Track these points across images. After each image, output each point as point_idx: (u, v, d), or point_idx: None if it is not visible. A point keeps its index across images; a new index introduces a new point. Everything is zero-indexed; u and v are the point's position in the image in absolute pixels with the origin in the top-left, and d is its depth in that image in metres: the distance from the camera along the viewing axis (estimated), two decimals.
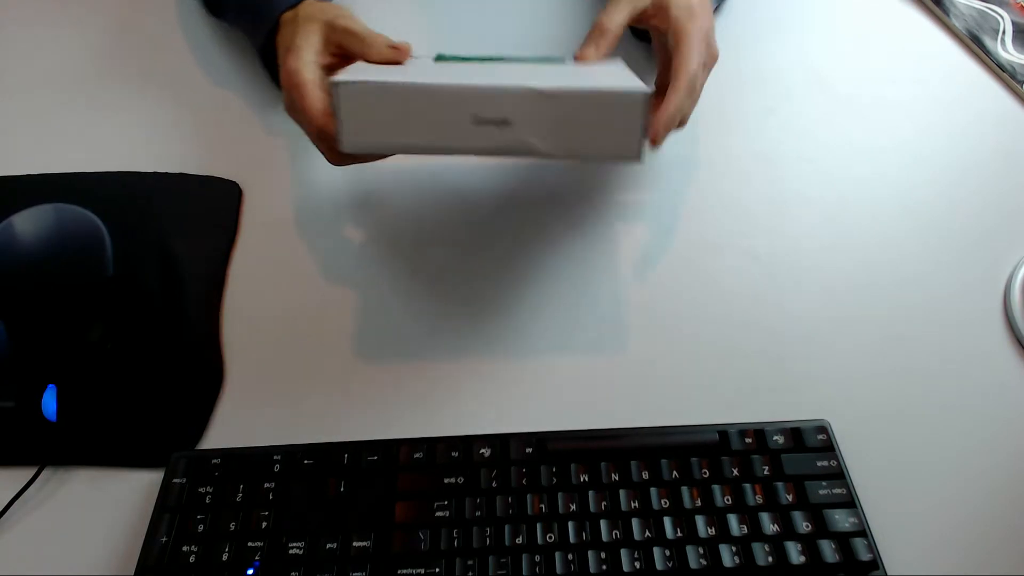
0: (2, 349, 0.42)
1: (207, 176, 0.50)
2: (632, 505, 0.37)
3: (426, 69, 0.38)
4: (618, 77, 0.37)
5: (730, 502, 0.37)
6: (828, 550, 0.35)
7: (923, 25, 0.59)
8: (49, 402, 0.39)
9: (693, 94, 0.41)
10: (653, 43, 0.46)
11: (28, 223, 0.42)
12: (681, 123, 0.43)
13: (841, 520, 0.36)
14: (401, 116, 0.34)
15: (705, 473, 0.38)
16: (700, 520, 0.36)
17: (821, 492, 0.37)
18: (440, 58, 0.43)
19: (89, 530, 0.38)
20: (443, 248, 0.48)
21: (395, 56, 0.40)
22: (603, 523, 0.36)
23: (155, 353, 0.43)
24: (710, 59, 0.44)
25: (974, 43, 0.57)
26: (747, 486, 0.37)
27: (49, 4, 0.61)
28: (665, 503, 0.37)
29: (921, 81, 0.56)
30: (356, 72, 0.36)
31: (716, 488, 0.37)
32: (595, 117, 0.34)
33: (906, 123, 0.53)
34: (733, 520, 0.36)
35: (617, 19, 0.42)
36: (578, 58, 0.42)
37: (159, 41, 0.58)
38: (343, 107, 0.34)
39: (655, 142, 0.41)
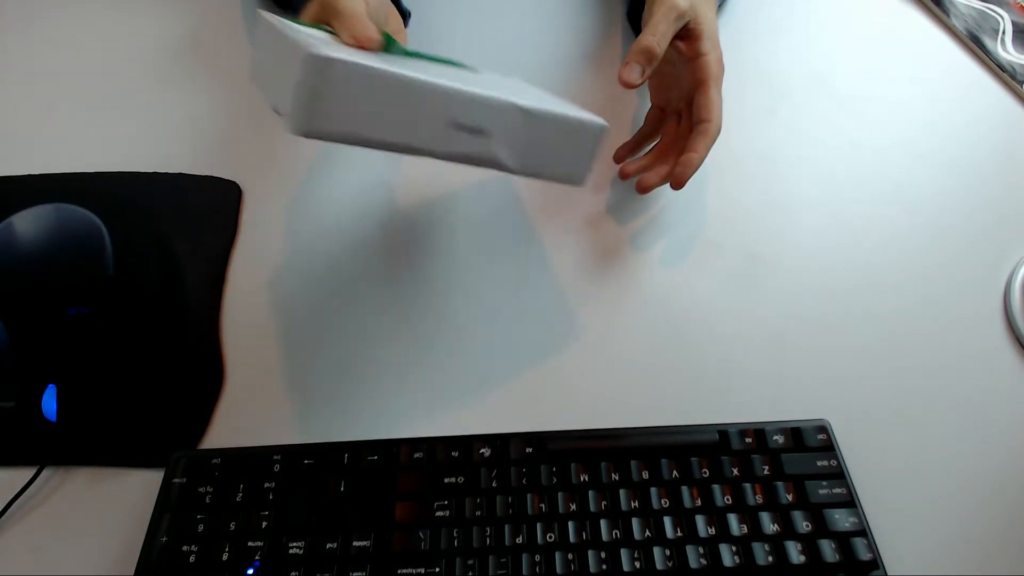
0: (2, 349, 0.42)
1: (207, 176, 0.50)
2: (632, 505, 0.37)
3: (400, 62, 0.34)
4: (578, 109, 0.38)
5: (730, 502, 0.37)
6: (828, 550, 0.35)
7: (923, 25, 0.59)
8: (49, 402, 0.39)
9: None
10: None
11: (28, 223, 0.42)
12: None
13: (841, 520, 0.36)
14: (376, 106, 0.30)
15: (705, 473, 0.38)
16: (700, 520, 0.36)
17: (821, 492, 0.37)
18: (409, 54, 0.37)
19: (89, 530, 0.38)
20: (442, 249, 0.48)
21: (360, 45, 0.35)
22: (603, 523, 0.36)
23: (155, 353, 0.43)
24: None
25: (974, 43, 0.57)
26: (747, 486, 0.37)
27: (47, 4, 0.61)
28: (665, 503, 0.37)
29: (921, 81, 0.56)
30: (329, 47, 0.30)
31: (716, 488, 0.37)
32: (561, 140, 0.36)
33: (906, 123, 0.53)
34: (733, 520, 0.36)
35: (664, 44, 0.41)
36: (623, 82, 0.41)
37: (158, 41, 0.58)
38: (310, 84, 0.29)
39: (680, 186, 0.43)
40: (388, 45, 0.35)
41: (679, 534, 0.36)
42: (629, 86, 0.41)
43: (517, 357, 0.43)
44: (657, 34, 0.41)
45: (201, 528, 0.36)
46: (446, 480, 0.37)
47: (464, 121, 0.32)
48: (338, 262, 0.47)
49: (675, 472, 0.38)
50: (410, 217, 0.49)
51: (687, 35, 0.43)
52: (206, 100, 0.55)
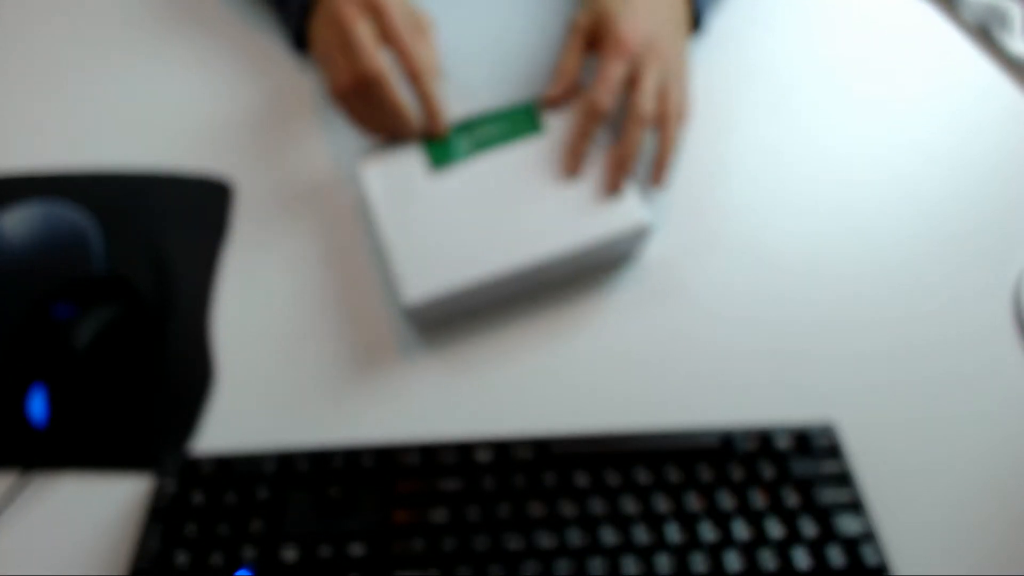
0: None
1: (199, 174, 0.49)
2: (636, 510, 0.36)
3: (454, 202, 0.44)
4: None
5: (735, 506, 0.36)
6: (835, 555, 0.35)
7: (932, 18, 0.58)
8: (36, 404, 0.38)
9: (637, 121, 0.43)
10: None
11: (11, 221, 0.41)
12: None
13: (849, 524, 0.36)
14: (460, 302, 0.42)
15: (710, 477, 0.37)
16: (705, 525, 0.36)
17: (828, 496, 0.37)
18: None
19: (78, 536, 0.37)
20: None
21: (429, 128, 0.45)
22: (607, 528, 0.35)
23: (145, 354, 0.42)
24: (663, 115, 0.44)
25: (985, 36, 0.56)
26: (753, 490, 0.37)
27: (36, 4, 0.60)
28: (670, 508, 0.36)
29: (930, 75, 0.55)
30: (418, 274, 0.41)
31: (721, 492, 0.36)
32: (611, 250, 0.44)
33: (915, 119, 0.52)
34: (738, 525, 0.36)
35: (571, 61, 0.46)
36: (547, 101, 0.46)
37: (151, 37, 0.57)
38: (411, 317, 0.43)
39: (615, 188, 0.44)
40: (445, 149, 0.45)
41: (684, 539, 0.35)
42: (552, 102, 0.46)
43: (517, 358, 0.43)
44: (563, 56, 0.46)
45: (193, 534, 0.35)
46: (446, 485, 0.37)
47: (525, 281, 0.43)
48: (330, 262, 0.46)
49: (680, 477, 0.37)
50: None
51: (597, 32, 0.46)
52: (198, 97, 0.53)
